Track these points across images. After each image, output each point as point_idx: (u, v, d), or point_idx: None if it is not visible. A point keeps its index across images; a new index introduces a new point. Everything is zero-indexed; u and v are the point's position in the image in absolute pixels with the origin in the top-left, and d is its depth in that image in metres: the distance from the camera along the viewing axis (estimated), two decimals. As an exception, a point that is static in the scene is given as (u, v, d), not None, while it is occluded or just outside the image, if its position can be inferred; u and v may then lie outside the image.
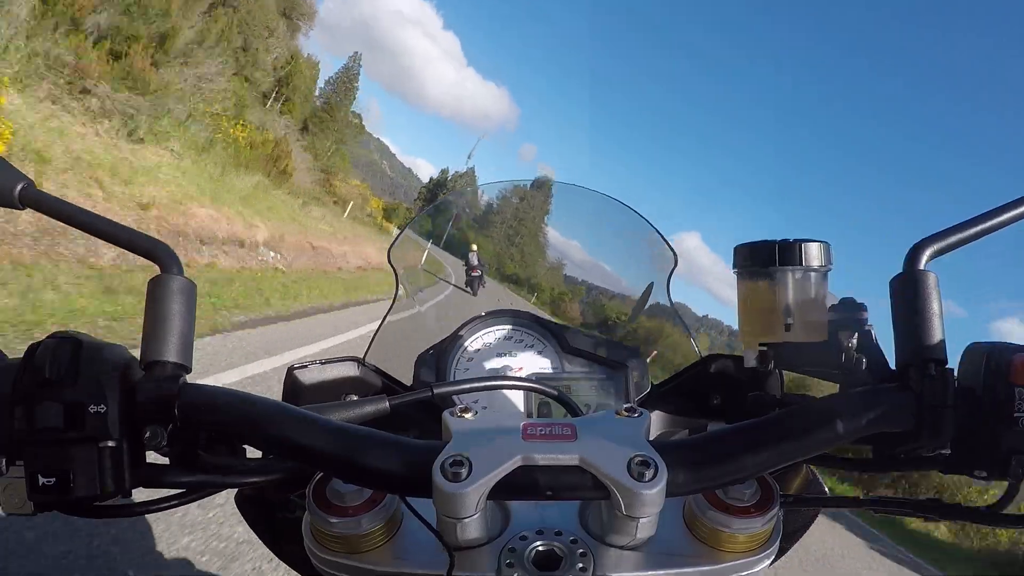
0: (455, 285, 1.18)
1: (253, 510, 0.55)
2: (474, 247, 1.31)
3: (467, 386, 0.53)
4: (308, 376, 0.59)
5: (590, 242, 1.02)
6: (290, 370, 0.58)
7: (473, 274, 1.28)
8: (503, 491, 0.33)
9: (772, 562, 0.44)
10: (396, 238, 0.82)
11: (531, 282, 1.27)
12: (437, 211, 1.21)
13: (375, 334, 0.74)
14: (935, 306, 0.38)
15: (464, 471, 0.32)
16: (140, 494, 0.39)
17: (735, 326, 0.54)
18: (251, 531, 0.55)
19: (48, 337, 0.36)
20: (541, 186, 1.22)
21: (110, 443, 0.35)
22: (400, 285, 0.78)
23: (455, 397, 0.63)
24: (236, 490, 0.51)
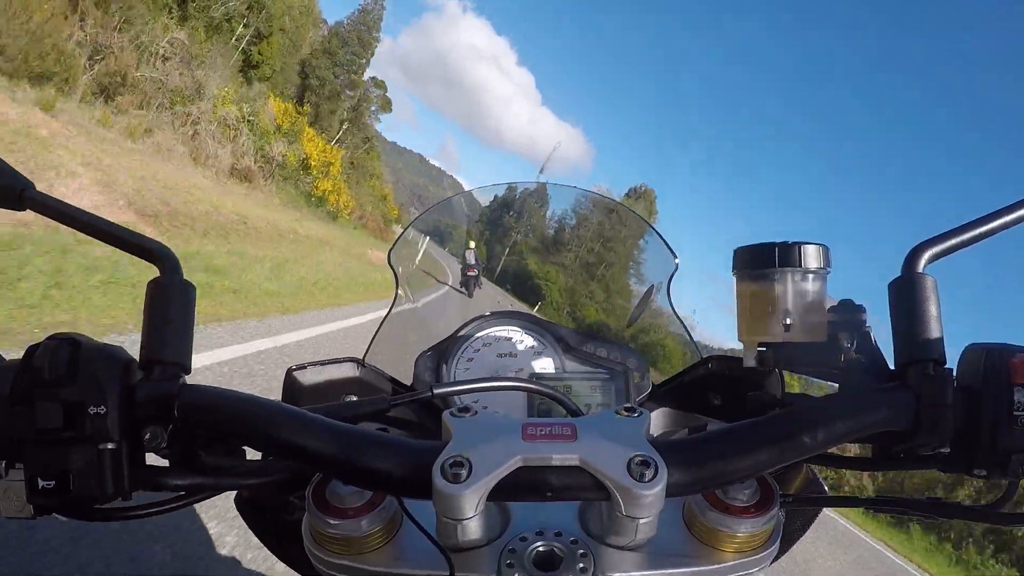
0: (450, 286, 1.15)
1: (253, 512, 0.55)
2: (471, 245, 1.25)
3: (467, 386, 0.53)
4: (308, 377, 0.59)
5: (592, 244, 1.02)
6: (290, 371, 0.58)
7: (469, 274, 1.23)
8: (503, 492, 0.33)
9: (772, 562, 0.44)
10: (396, 239, 0.82)
11: (531, 284, 1.25)
12: (438, 212, 1.18)
13: (375, 334, 0.74)
14: (934, 308, 0.38)
15: (464, 472, 0.32)
16: (140, 496, 0.39)
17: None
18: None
19: (47, 338, 0.36)
20: (543, 189, 1.21)
21: (110, 445, 0.35)
22: (400, 286, 0.78)
23: (455, 397, 0.63)
24: (236, 492, 0.51)
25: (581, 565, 0.39)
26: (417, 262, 0.98)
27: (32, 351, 0.35)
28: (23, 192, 0.40)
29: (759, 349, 0.52)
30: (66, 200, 0.41)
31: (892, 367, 0.40)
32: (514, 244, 1.28)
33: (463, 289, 1.18)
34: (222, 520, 1.95)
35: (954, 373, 0.38)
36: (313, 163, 20.53)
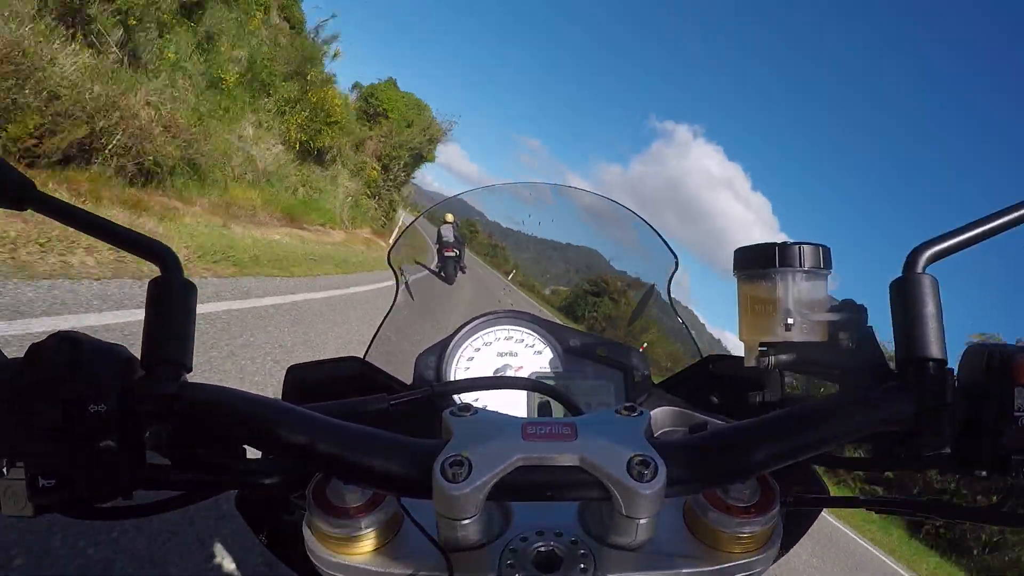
0: (428, 268, 0.95)
1: (253, 511, 0.55)
2: (449, 217, 1.00)
3: (467, 385, 0.53)
4: (308, 375, 0.59)
5: (591, 244, 1.01)
6: (290, 369, 0.58)
7: (447, 254, 0.98)
8: (503, 491, 0.32)
9: (773, 562, 0.44)
10: (396, 239, 0.82)
11: (531, 283, 1.21)
12: (439, 211, 1.13)
13: (376, 333, 0.74)
14: (934, 308, 0.38)
15: (464, 471, 0.32)
16: (140, 495, 0.39)
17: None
18: None
19: (49, 336, 0.36)
20: (542, 189, 1.18)
21: (110, 443, 0.35)
22: (400, 285, 0.78)
23: (455, 396, 0.63)
24: (236, 491, 0.51)
25: (581, 565, 0.39)
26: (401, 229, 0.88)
27: (33, 349, 0.35)
28: (24, 191, 0.40)
29: (760, 349, 0.52)
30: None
31: (893, 367, 0.40)
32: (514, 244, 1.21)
33: (440, 273, 0.96)
34: (222, 519, 1.95)
35: (955, 373, 0.38)
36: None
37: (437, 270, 0.97)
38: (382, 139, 19.85)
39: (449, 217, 0.99)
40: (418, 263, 0.93)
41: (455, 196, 0.93)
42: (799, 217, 38.56)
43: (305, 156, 13.50)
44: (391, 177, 20.27)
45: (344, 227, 14.46)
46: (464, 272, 0.98)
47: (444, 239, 0.99)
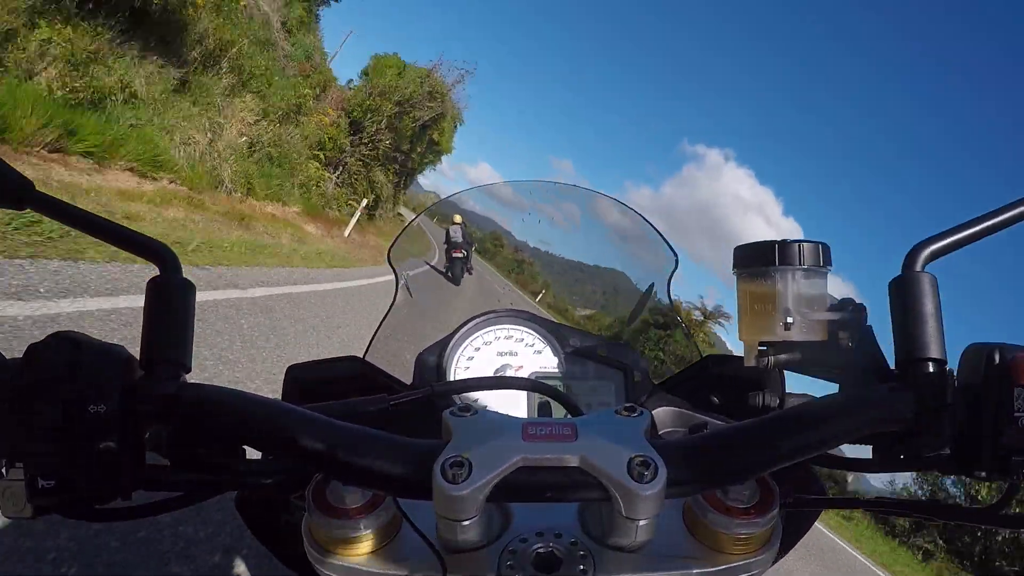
0: (432, 267, 0.94)
1: (253, 512, 0.55)
2: (457, 218, 1.00)
3: (467, 386, 0.53)
4: (308, 375, 0.59)
5: (591, 242, 1.01)
6: (290, 369, 0.58)
7: (455, 255, 0.98)
8: (503, 492, 0.32)
9: (773, 563, 0.44)
10: (396, 238, 0.82)
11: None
12: (440, 208, 1.09)
13: (375, 333, 0.74)
14: (934, 307, 0.38)
15: (464, 472, 0.32)
16: (140, 495, 0.39)
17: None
18: None
19: (48, 337, 0.36)
20: (542, 188, 1.17)
21: (110, 444, 0.35)
22: (400, 284, 0.78)
23: (455, 396, 0.63)
24: (236, 491, 0.51)
25: (581, 567, 0.39)
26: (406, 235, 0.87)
27: (33, 349, 0.35)
28: (23, 190, 0.40)
29: (759, 348, 0.52)
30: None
31: (892, 366, 0.40)
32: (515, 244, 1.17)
33: (447, 274, 0.96)
34: (220, 519, 1.96)
35: (955, 373, 0.38)
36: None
37: (444, 270, 0.96)
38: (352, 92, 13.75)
39: (457, 218, 0.99)
40: (429, 265, 0.90)
41: (452, 195, 0.93)
42: (831, 244, 38.79)
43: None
44: (367, 141, 13.96)
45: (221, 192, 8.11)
46: (471, 273, 0.97)
47: (452, 240, 0.99)
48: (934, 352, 0.37)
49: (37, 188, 0.41)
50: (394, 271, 0.79)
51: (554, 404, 0.63)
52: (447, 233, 0.98)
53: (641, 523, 0.33)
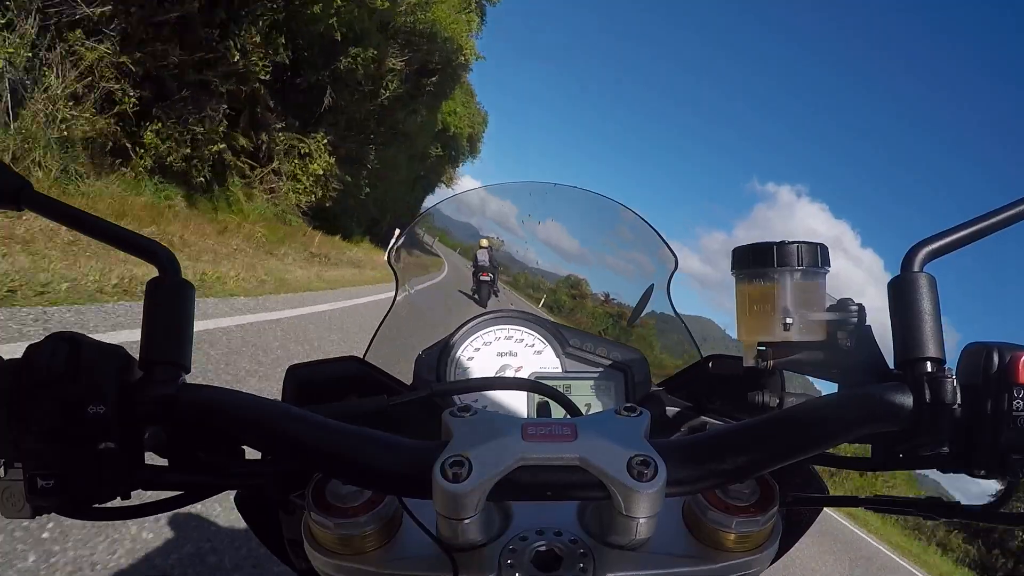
0: (460, 291, 1.00)
1: (253, 511, 0.55)
2: (484, 242, 1.03)
3: (466, 386, 0.53)
4: (308, 375, 0.59)
5: (590, 243, 1.01)
6: (290, 369, 0.58)
7: (483, 279, 1.02)
8: (503, 491, 0.32)
9: (772, 562, 0.44)
10: (396, 238, 0.82)
11: (533, 284, 1.18)
12: (439, 211, 1.11)
13: (375, 333, 0.74)
14: (932, 307, 0.38)
15: (464, 471, 0.32)
16: (138, 496, 0.39)
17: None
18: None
19: (47, 337, 0.36)
20: (541, 188, 1.16)
21: (109, 444, 0.35)
22: (400, 285, 0.78)
23: (455, 396, 0.63)
24: (236, 491, 0.51)
25: (581, 565, 0.39)
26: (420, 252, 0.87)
27: (32, 350, 0.35)
28: (20, 191, 0.40)
29: (759, 348, 0.52)
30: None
31: (891, 366, 0.40)
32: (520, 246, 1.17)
33: (475, 296, 1.00)
34: (220, 519, 1.95)
35: (954, 372, 0.38)
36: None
37: (472, 293, 0.99)
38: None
39: (484, 242, 1.02)
40: (462, 292, 0.93)
41: (449, 197, 0.93)
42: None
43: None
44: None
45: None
46: (497, 296, 1.00)
47: (480, 263, 1.02)
48: (933, 351, 0.38)
49: (35, 189, 0.41)
50: (394, 272, 0.79)
51: (554, 405, 0.63)
52: (475, 257, 1.02)
53: (641, 521, 0.33)
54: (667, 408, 0.66)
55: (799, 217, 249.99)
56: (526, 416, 0.67)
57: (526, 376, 0.70)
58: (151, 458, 0.39)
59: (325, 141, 11.02)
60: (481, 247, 1.02)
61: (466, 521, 0.33)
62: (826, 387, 0.50)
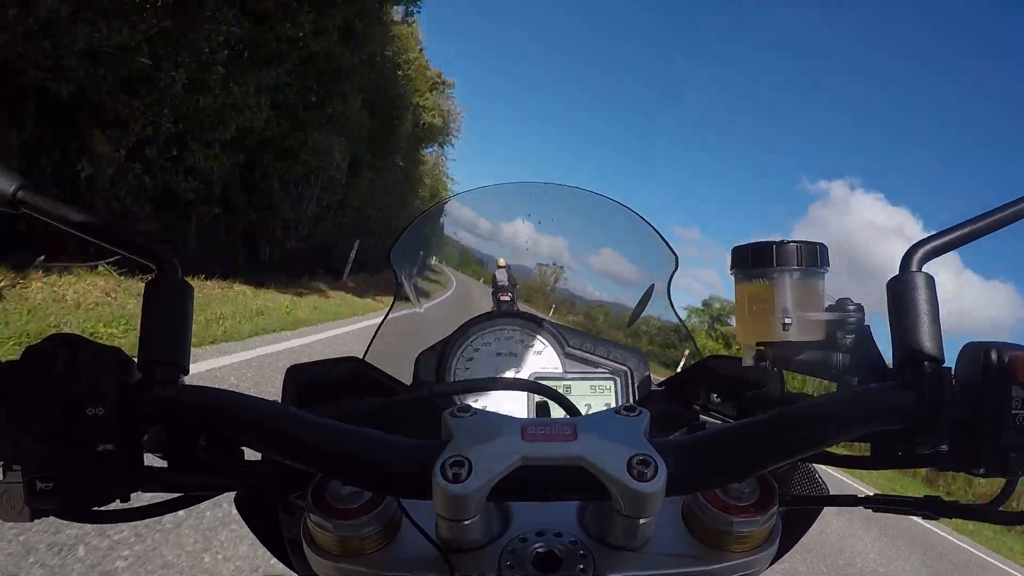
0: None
1: (253, 512, 0.55)
2: (501, 262, 1.03)
3: (466, 387, 0.53)
4: (307, 376, 0.59)
5: (590, 244, 1.01)
6: (289, 370, 0.58)
7: (503, 298, 1.03)
8: (503, 492, 0.32)
9: (772, 561, 0.44)
10: (397, 238, 0.82)
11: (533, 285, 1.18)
12: (439, 212, 1.10)
13: (375, 333, 0.74)
14: (931, 306, 0.38)
15: (464, 471, 0.32)
16: (137, 498, 0.39)
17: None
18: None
19: (46, 338, 0.36)
20: (541, 188, 1.16)
21: (108, 446, 0.35)
22: (400, 285, 0.78)
23: (455, 397, 0.63)
24: (235, 492, 0.51)
25: (581, 566, 0.39)
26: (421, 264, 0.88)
27: (31, 351, 0.35)
28: (17, 192, 0.40)
29: (758, 348, 0.52)
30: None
31: (891, 366, 0.40)
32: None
33: None
34: (220, 520, 1.95)
35: (953, 371, 0.38)
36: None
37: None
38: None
39: (501, 262, 1.02)
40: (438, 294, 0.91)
41: (448, 197, 0.93)
42: (984, 252, 36.41)
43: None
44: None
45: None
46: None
47: (499, 283, 1.04)
48: (932, 351, 0.38)
49: (31, 189, 0.41)
50: (394, 272, 0.79)
51: (553, 405, 0.63)
52: (494, 277, 1.03)
53: (641, 521, 0.33)
54: (667, 408, 0.67)
55: (856, 211, 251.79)
56: (526, 416, 0.67)
57: (526, 376, 0.70)
58: (151, 460, 0.38)
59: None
60: (499, 267, 1.02)
61: (466, 522, 0.33)
62: (826, 387, 0.50)
